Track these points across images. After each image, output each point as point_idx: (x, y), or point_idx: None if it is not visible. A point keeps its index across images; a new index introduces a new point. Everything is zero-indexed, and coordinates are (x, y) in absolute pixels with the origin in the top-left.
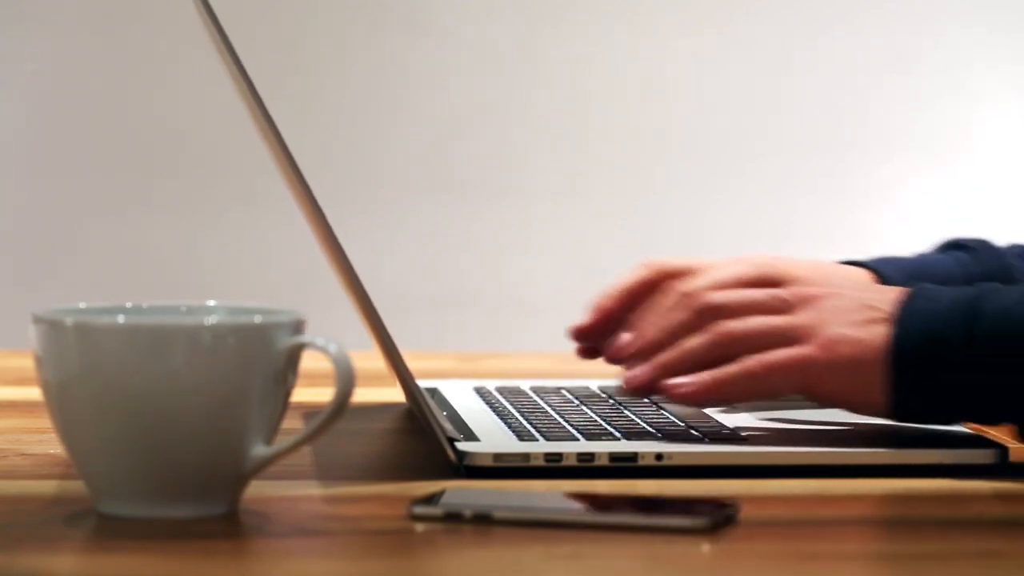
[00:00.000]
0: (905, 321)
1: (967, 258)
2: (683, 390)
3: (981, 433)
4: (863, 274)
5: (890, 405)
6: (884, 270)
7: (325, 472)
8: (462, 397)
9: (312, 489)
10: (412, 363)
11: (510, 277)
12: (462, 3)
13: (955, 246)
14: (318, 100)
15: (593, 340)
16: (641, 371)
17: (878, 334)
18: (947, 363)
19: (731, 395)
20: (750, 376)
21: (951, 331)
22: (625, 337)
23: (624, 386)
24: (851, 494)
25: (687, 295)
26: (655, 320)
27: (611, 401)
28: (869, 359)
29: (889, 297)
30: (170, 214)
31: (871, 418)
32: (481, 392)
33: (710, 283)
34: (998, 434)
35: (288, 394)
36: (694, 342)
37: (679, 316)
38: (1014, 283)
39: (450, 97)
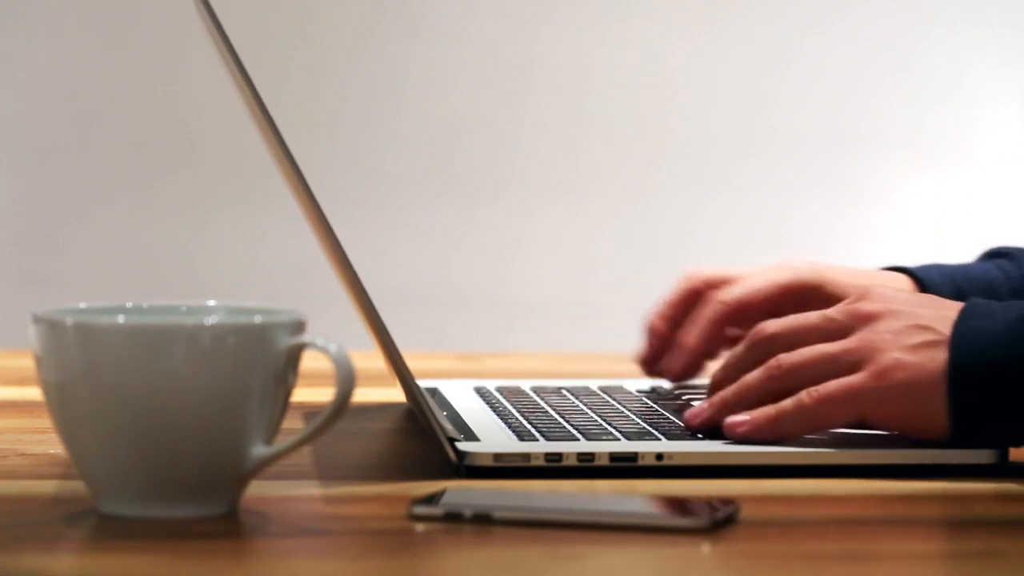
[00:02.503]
0: (960, 344)
1: (1009, 265)
2: (741, 430)
3: None
4: (904, 281)
5: (951, 429)
6: (928, 277)
7: (325, 472)
8: (462, 397)
9: (312, 489)
10: (412, 363)
11: (510, 277)
12: (462, 3)
13: (997, 254)
14: (318, 99)
15: (657, 362)
16: (701, 408)
17: (935, 358)
18: (1006, 384)
19: (787, 431)
20: (804, 412)
21: (1008, 351)
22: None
23: (686, 423)
24: (851, 494)
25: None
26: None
27: (611, 401)
28: (926, 384)
29: (945, 315)
30: (170, 214)
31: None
32: (481, 392)
33: (748, 292)
34: None
35: (288, 394)
36: (751, 377)
37: (737, 351)
38: None
39: (450, 97)
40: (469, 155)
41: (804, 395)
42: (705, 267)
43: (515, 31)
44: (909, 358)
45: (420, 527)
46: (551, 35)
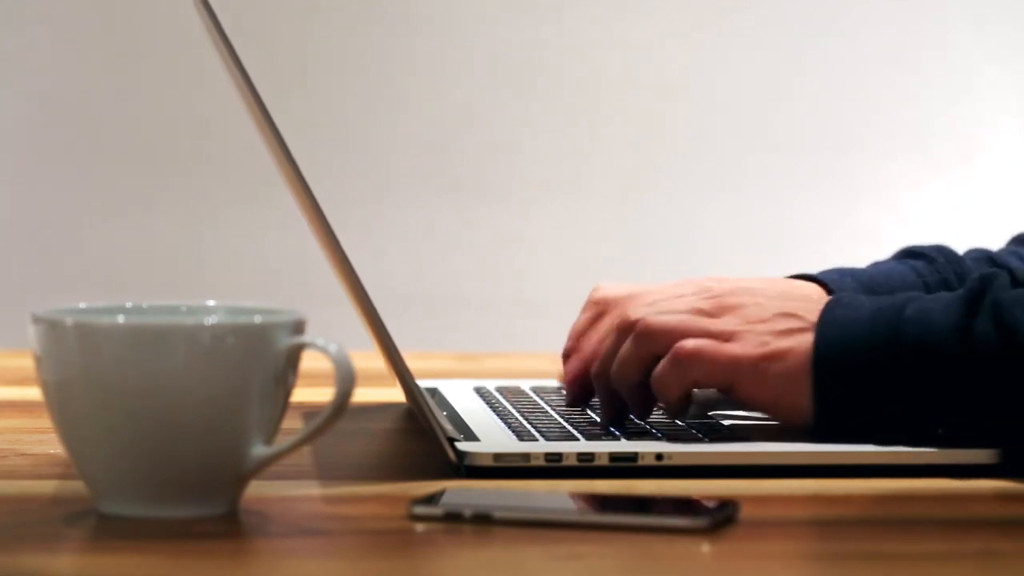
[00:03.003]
0: (824, 330)
1: (924, 267)
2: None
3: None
4: (814, 288)
5: (814, 414)
6: (837, 283)
7: (325, 472)
8: (462, 397)
9: (312, 489)
10: (412, 363)
11: (510, 277)
12: (462, 3)
13: (912, 254)
14: (318, 99)
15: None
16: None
17: (801, 343)
18: (869, 371)
19: (667, 387)
20: (676, 363)
21: (873, 339)
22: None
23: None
24: (851, 494)
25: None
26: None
27: None
28: (792, 368)
29: (812, 306)
30: (170, 214)
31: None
32: (481, 392)
33: (646, 304)
34: None
35: (288, 394)
36: (624, 348)
37: (610, 334)
38: None
39: (450, 97)
40: (469, 155)
41: (677, 347)
42: (610, 286)
43: (516, 31)
44: (776, 341)
45: (420, 527)
46: (552, 35)
